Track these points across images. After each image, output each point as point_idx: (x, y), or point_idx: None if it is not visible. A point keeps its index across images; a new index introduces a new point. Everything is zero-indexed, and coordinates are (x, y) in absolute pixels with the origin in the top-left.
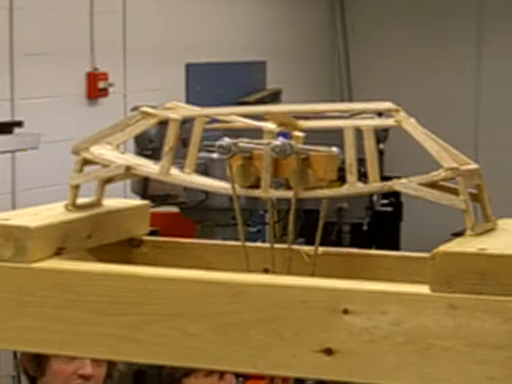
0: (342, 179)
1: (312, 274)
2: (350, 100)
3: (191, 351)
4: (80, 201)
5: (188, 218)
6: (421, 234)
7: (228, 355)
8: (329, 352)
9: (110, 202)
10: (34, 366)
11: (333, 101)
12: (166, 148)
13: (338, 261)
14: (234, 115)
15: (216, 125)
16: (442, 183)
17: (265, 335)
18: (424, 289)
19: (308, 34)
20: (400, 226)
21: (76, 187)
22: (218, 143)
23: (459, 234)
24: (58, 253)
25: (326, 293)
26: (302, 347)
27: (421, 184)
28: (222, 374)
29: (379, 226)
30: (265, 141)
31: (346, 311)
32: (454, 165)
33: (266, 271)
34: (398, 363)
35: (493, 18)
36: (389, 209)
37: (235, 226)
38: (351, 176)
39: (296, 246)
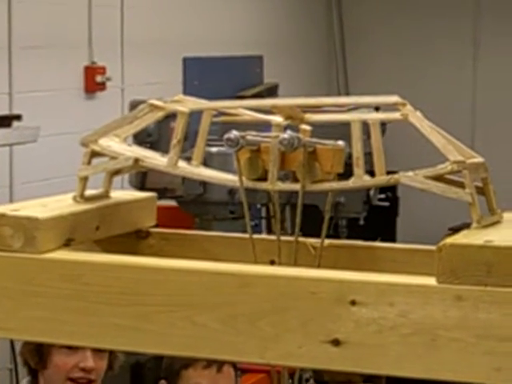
0: (342, 174)
1: (318, 266)
2: (347, 95)
3: (199, 341)
4: (88, 192)
5: (186, 212)
6: (417, 229)
7: (236, 346)
8: (336, 343)
9: (118, 194)
10: (35, 359)
11: (329, 96)
12: (174, 140)
13: (344, 253)
14: (241, 108)
15: (223, 118)
16: (447, 176)
17: (272, 326)
18: (431, 280)
19: (305, 28)
20: (396, 220)
21: (84, 179)
22: (225, 136)
23: (456, 229)
24: (67, 244)
25: (333, 284)
26: (309, 338)
27: (427, 177)
28: (220, 366)
29: (376, 221)
30: (272, 134)
31: (353, 302)
32: (461, 158)
33: (272, 263)
34: (405, 354)
35: (489, 18)
36: (385, 203)
37: (233, 220)
38: (358, 169)
39: (302, 239)
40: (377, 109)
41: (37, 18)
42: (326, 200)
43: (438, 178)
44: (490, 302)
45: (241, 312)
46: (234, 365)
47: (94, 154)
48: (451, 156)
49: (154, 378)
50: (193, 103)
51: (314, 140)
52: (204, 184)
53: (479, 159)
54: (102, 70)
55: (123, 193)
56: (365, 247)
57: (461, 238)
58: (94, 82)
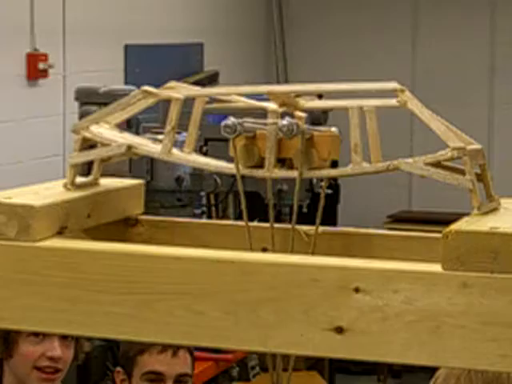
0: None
1: (312, 254)
2: (286, 81)
3: (199, 330)
4: (79, 180)
5: None
6: (357, 216)
7: (236, 334)
8: (339, 330)
9: (107, 182)
10: (1, 348)
11: (269, 82)
12: (168, 127)
13: (338, 240)
14: (234, 95)
15: (216, 105)
16: (445, 163)
17: (274, 314)
18: (436, 267)
19: (245, 16)
20: (337, 207)
21: (75, 166)
22: (223, 123)
23: (394, 216)
24: (60, 232)
25: (336, 271)
26: (312, 326)
27: (427, 164)
28: (175, 351)
29: (317, 208)
30: (270, 120)
31: (357, 289)
32: (461, 144)
33: (264, 250)
34: (410, 341)
35: (428, 3)
36: (329, 191)
37: (180, 208)
38: (356, 156)
39: (296, 226)
40: (319, 96)
41: None
42: (266, 187)
43: (437, 165)
44: (496, 288)
45: (242, 300)
46: (189, 349)
47: (86, 141)
48: (451, 142)
49: (101, 366)
50: (186, 90)
51: (311, 127)
52: (151, 172)
53: (478, 146)
54: (44, 57)
55: (112, 180)
56: (359, 234)
57: (465, 225)
58: (36, 69)
